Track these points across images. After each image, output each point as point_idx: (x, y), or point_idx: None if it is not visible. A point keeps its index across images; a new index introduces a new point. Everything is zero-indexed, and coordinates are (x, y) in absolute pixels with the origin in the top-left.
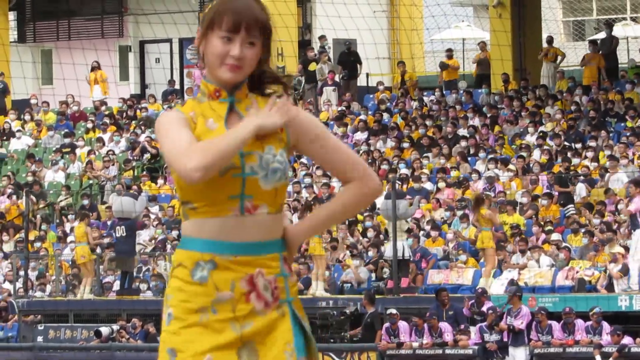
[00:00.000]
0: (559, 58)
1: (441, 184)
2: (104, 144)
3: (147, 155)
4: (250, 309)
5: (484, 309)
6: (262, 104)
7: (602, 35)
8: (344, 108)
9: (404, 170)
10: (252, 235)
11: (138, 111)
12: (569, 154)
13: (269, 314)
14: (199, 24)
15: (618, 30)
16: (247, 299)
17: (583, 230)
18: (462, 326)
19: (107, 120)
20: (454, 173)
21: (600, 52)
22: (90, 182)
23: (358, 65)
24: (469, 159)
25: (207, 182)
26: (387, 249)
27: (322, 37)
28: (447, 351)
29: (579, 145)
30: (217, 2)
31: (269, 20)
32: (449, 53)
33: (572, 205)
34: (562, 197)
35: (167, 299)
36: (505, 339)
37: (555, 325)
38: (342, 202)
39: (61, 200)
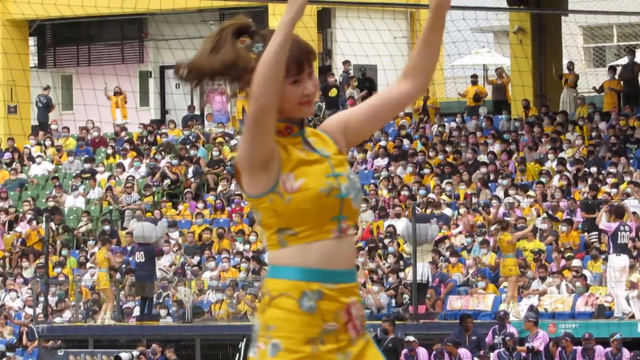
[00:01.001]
0: (579, 83)
1: (462, 210)
2: (124, 170)
3: (167, 181)
4: (348, 338)
5: (507, 332)
6: (309, 130)
7: (623, 61)
8: None
9: (430, 195)
10: (348, 260)
11: (158, 137)
12: (589, 180)
13: (359, 342)
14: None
15: (639, 56)
16: (346, 328)
17: (603, 256)
18: (482, 352)
19: (127, 145)
20: (474, 199)
21: (622, 77)
22: (111, 207)
23: (373, 93)
24: (492, 185)
25: (313, 204)
26: (409, 274)
27: (346, 62)
28: None
29: (594, 170)
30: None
31: (312, 48)
32: (474, 79)
33: (595, 233)
34: (586, 224)
35: (267, 329)
36: None
37: (577, 351)
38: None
39: (81, 226)
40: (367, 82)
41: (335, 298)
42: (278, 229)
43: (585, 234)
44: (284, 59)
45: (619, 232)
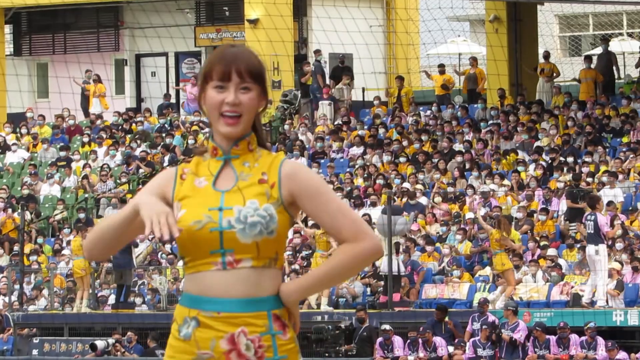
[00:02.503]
0: (554, 74)
1: (437, 199)
2: (96, 157)
3: (142, 170)
4: None
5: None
6: (265, 158)
7: (598, 50)
8: (340, 122)
9: (405, 184)
10: (237, 291)
11: (133, 125)
12: (564, 170)
13: None
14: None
15: (614, 46)
16: (227, 358)
17: (578, 246)
18: (456, 340)
19: (102, 134)
20: (450, 188)
21: (597, 67)
22: (86, 195)
23: (352, 82)
24: (467, 173)
25: (189, 236)
26: (382, 264)
27: (317, 52)
28: None
29: (570, 160)
30: (209, 56)
31: (262, 67)
32: (442, 68)
33: (574, 224)
34: (569, 213)
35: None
36: (498, 355)
37: (552, 340)
38: (339, 260)
39: (57, 214)
40: (344, 70)
41: (213, 327)
42: (180, 257)
43: (567, 222)
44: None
45: (586, 222)
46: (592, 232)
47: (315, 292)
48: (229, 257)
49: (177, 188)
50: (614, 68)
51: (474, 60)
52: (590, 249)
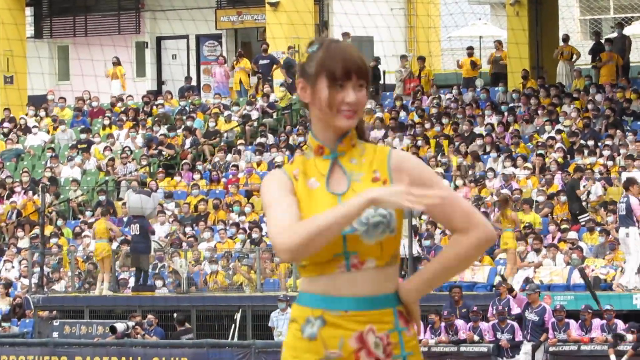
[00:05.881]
0: (574, 57)
1: (459, 182)
2: (115, 141)
3: (164, 153)
4: None
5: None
6: (370, 152)
7: (614, 35)
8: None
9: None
10: (363, 290)
11: (154, 108)
12: (585, 152)
13: None
14: (295, 74)
15: (634, 29)
16: (356, 357)
17: (599, 229)
18: (470, 324)
19: (123, 117)
20: (470, 171)
21: (613, 51)
22: (107, 178)
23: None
24: (485, 156)
25: None
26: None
27: (345, 34)
28: (462, 348)
29: (592, 143)
30: (320, 52)
31: (368, 64)
32: (470, 51)
33: (587, 215)
34: (574, 206)
35: (282, 350)
36: (516, 338)
37: (573, 324)
38: (455, 253)
39: (77, 197)
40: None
41: (341, 325)
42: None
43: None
44: (324, 241)
45: (619, 204)
46: (624, 214)
47: (434, 287)
48: (353, 259)
49: (297, 188)
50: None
51: (498, 44)
52: (621, 231)
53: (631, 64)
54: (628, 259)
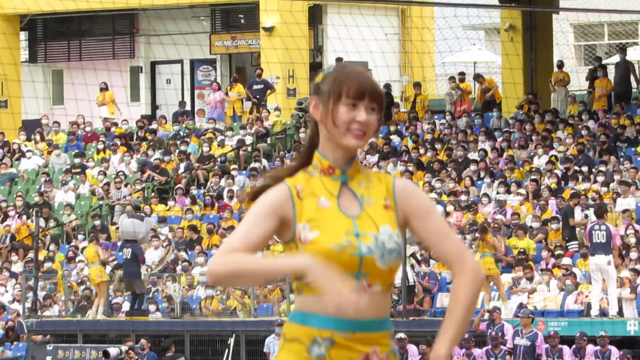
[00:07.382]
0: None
1: (450, 208)
2: (109, 165)
3: (157, 178)
4: None
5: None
6: (374, 178)
7: (613, 59)
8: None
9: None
10: (367, 313)
11: (147, 133)
12: (579, 178)
13: None
14: (313, 95)
15: (629, 55)
16: None
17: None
18: (464, 350)
19: (117, 141)
20: (463, 197)
21: (615, 76)
22: (100, 202)
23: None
24: (479, 182)
25: (327, 258)
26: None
27: (338, 59)
28: None
29: (586, 169)
30: (336, 72)
31: (383, 93)
32: (462, 76)
33: (575, 242)
34: (566, 233)
35: None
36: None
37: (566, 350)
38: (468, 300)
39: (71, 221)
40: (387, 97)
41: (349, 347)
42: (297, 276)
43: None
44: (247, 283)
45: (593, 232)
46: (605, 241)
47: (460, 340)
48: (362, 281)
49: (298, 208)
50: (632, 77)
51: (480, 77)
52: (600, 259)
53: (633, 90)
54: (610, 284)
